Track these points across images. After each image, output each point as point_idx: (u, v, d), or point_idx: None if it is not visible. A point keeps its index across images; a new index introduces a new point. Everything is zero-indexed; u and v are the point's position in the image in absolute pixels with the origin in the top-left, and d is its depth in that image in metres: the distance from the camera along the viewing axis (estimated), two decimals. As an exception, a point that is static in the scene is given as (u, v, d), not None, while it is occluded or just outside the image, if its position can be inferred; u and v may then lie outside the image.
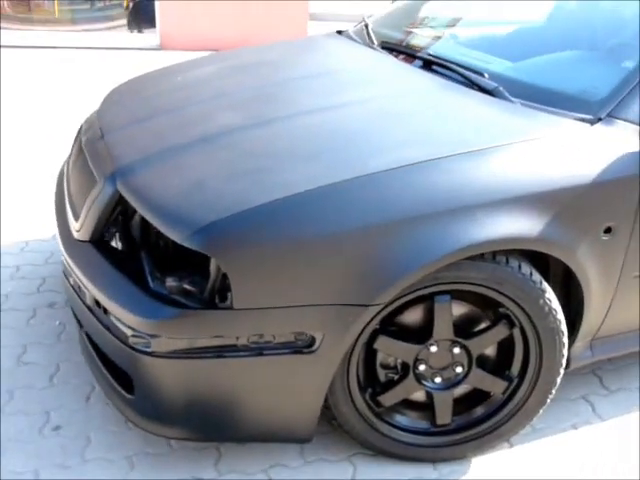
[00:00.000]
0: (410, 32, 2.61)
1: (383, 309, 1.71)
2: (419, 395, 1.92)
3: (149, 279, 1.72)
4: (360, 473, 1.93)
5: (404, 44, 2.42)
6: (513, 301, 1.77)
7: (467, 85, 2.08)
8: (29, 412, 2.05)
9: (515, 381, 1.91)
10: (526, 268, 1.76)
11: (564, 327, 1.85)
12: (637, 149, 1.82)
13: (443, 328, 1.80)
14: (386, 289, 1.61)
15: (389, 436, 1.91)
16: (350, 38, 2.63)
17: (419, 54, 2.32)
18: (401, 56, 2.37)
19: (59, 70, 5.77)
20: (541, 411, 1.98)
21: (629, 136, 1.83)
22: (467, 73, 2.09)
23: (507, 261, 1.74)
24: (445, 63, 2.19)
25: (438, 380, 1.88)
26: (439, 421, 1.92)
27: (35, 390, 2.14)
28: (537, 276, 1.78)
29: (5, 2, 7.74)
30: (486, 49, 2.43)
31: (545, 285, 1.79)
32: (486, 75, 2.07)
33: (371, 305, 1.62)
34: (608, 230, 1.83)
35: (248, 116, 2.01)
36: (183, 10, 6.85)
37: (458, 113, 1.97)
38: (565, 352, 1.89)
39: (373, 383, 1.88)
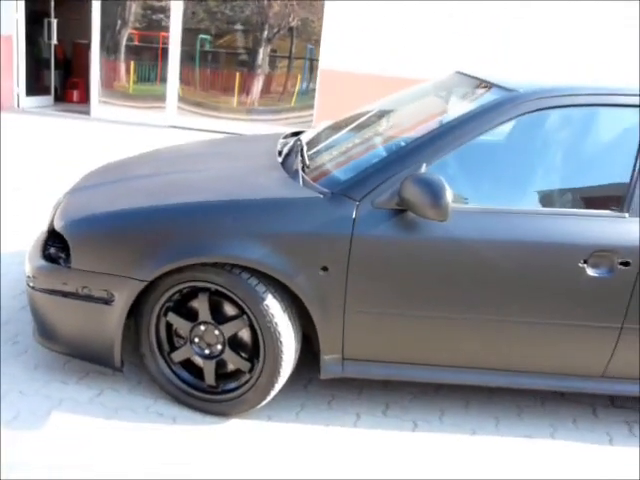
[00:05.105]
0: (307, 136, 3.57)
1: (166, 292, 2.73)
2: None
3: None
4: (157, 405, 2.89)
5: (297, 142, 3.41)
6: (243, 302, 2.67)
7: (287, 169, 3.04)
8: None
9: (256, 364, 2.75)
10: (253, 280, 2.65)
11: (282, 329, 2.66)
12: (351, 216, 2.63)
13: (204, 314, 2.75)
14: (146, 273, 2.64)
15: (176, 385, 2.86)
16: (282, 137, 3.71)
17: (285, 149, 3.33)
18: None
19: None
20: (273, 392, 2.77)
21: (347, 207, 2.64)
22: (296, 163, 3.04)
23: (240, 273, 2.65)
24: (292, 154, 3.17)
25: (207, 351, 2.81)
26: (207, 382, 2.83)
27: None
28: (261, 287, 2.64)
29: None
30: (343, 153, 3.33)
31: (267, 295, 2.64)
32: (307, 164, 3.00)
33: (138, 280, 2.66)
34: (325, 268, 2.64)
35: (153, 171, 3.21)
36: (338, 100, 8.03)
37: (257, 182, 2.92)
38: (285, 350, 2.68)
39: (171, 345, 2.88)
